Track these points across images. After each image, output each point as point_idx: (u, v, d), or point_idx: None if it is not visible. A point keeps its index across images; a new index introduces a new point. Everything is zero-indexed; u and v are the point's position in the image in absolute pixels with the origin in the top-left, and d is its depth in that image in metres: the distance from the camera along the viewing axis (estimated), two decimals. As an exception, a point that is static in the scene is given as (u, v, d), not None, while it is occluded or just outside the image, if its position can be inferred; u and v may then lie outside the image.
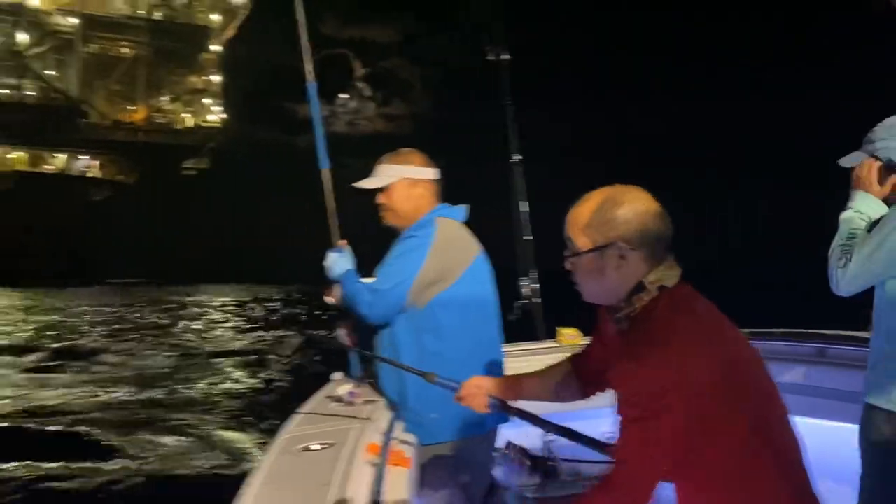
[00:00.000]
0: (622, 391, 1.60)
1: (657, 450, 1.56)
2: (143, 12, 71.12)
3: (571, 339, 3.85)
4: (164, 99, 73.23)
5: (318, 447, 2.27)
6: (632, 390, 1.57)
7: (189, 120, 73.56)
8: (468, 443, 2.63)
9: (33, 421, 10.71)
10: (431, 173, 2.83)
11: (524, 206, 3.63)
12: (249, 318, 28.94)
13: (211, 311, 33.45)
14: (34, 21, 66.79)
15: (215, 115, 74.15)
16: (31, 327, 25.19)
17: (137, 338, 22.18)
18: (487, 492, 2.75)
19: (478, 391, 2.10)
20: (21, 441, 9.40)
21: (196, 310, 33.76)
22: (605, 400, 1.82)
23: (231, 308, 34.64)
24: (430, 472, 2.56)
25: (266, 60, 64.70)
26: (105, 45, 70.18)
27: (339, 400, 2.79)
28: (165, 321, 27.57)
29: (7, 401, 12.24)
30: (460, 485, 2.61)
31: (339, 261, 2.85)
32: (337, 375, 3.03)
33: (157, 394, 12.80)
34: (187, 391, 13.10)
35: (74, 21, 67.91)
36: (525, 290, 3.67)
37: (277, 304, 35.82)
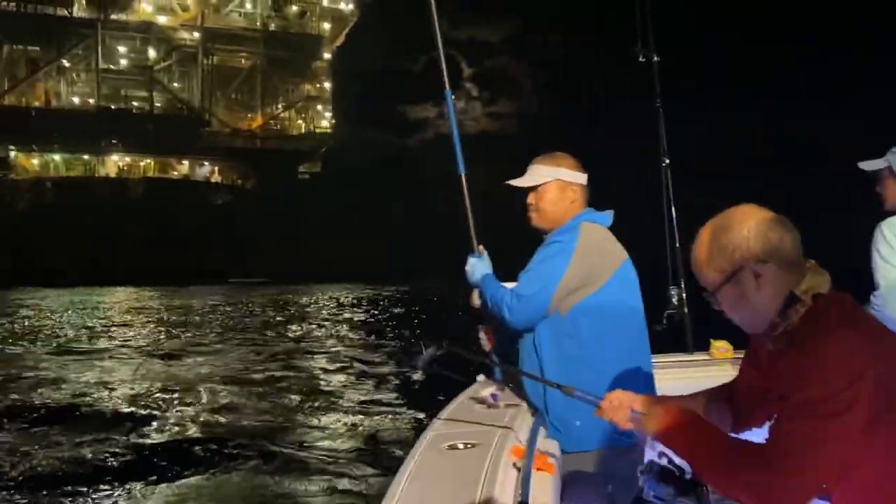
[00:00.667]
0: (796, 391, 1.53)
1: (833, 449, 1.48)
2: (259, 24, 74.29)
3: (724, 352, 3.67)
4: (279, 107, 76.25)
5: (463, 446, 2.31)
6: (811, 388, 1.50)
7: (302, 126, 76.30)
8: (613, 452, 2.58)
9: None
10: (582, 178, 2.80)
11: (673, 213, 3.60)
12: (365, 315, 29.62)
13: (327, 307, 34.50)
14: (161, 37, 70.92)
15: (327, 120, 76.60)
16: (167, 321, 26.88)
17: (257, 330, 23.30)
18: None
19: (619, 405, 2.01)
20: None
21: (312, 306, 34.89)
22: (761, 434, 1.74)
23: (347, 305, 35.60)
24: (573, 481, 2.56)
25: (374, 65, 66.12)
26: (224, 57, 73.62)
27: (482, 402, 2.83)
28: (281, 318, 28.68)
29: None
30: (604, 496, 2.56)
31: (478, 265, 2.87)
32: (481, 377, 3.05)
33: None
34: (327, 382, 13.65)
35: (197, 35, 71.70)
36: (674, 300, 3.59)
37: (389, 302, 36.46)
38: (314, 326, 24.87)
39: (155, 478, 7.55)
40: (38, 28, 64.63)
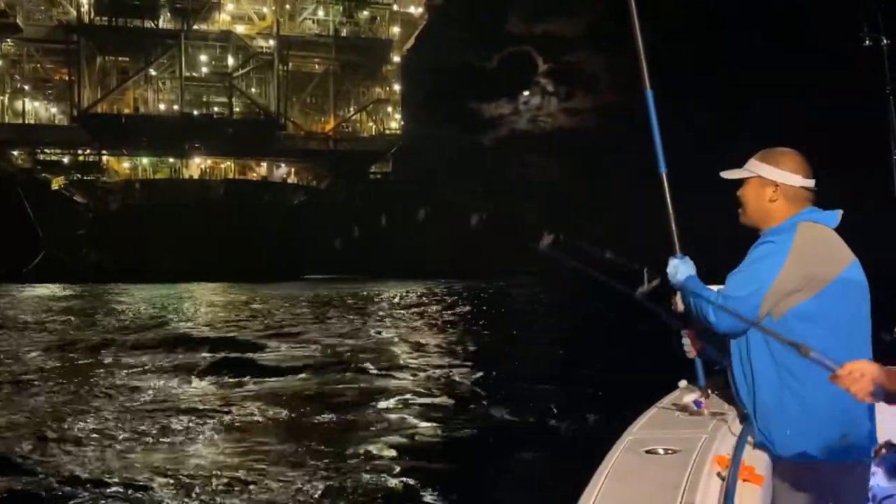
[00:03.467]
0: None
1: None
2: (331, 30, 76.10)
3: None
4: (351, 109, 77.89)
5: (663, 451, 2.21)
6: None
7: (373, 128, 77.84)
8: (831, 468, 2.37)
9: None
10: (794, 179, 2.58)
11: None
12: (441, 311, 30.09)
13: (400, 302, 35.24)
14: (239, 45, 73.32)
15: (396, 122, 77.93)
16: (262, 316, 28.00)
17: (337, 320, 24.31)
18: None
19: (861, 376, 1.83)
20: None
21: (384, 303, 35.69)
22: None
23: (424, 300, 36.24)
24: (785, 493, 2.40)
25: (445, 65, 66.61)
26: (298, 62, 75.49)
27: (684, 409, 2.73)
28: (357, 313, 29.51)
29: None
30: None
31: (681, 266, 2.73)
32: (683, 383, 2.93)
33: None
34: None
35: (272, 43, 73.93)
36: None
37: (466, 298, 36.80)
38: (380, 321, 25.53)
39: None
40: (127, 40, 67.63)
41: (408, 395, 12.00)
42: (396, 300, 36.31)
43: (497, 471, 7.79)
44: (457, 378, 13.79)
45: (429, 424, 10.13)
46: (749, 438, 2.44)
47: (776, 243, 2.47)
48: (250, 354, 16.92)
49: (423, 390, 12.50)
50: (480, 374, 14.09)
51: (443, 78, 67.39)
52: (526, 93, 70.24)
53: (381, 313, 29.41)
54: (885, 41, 3.06)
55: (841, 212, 2.58)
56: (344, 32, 76.02)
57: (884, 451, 2.40)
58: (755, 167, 2.63)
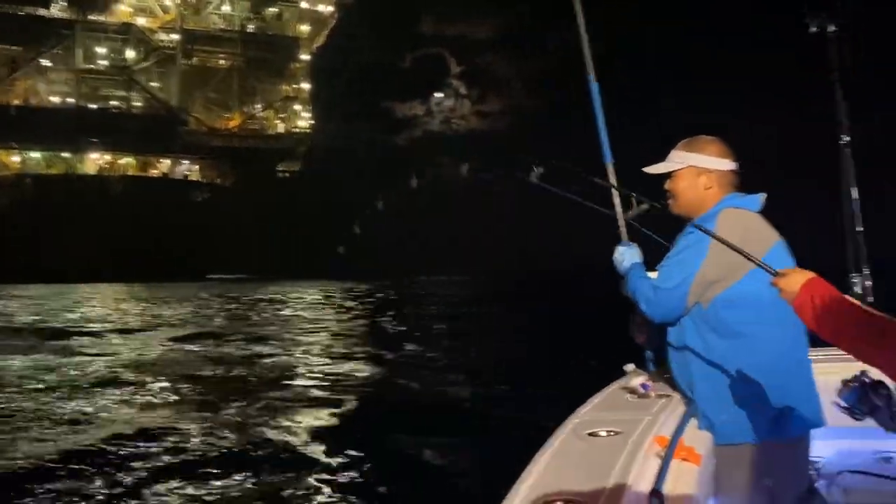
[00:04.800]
0: None
1: None
2: (237, 25, 74.47)
3: None
4: (258, 107, 76.44)
5: (605, 434, 2.25)
6: None
7: (280, 126, 76.61)
8: (773, 446, 2.40)
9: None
10: (723, 164, 2.60)
11: (854, 194, 3.20)
12: (344, 310, 29.40)
13: (305, 304, 34.74)
14: (140, 38, 70.75)
15: (305, 120, 76.98)
16: (167, 316, 26.72)
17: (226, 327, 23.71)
18: (803, 500, 2.51)
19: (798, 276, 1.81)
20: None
21: (290, 303, 35.08)
22: None
23: (327, 302, 35.83)
24: (727, 474, 2.43)
25: (357, 64, 66.25)
26: (203, 57, 73.52)
27: (632, 391, 2.74)
28: (258, 313, 28.67)
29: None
30: (764, 490, 2.40)
31: (627, 253, 2.73)
32: (630, 367, 2.93)
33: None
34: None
35: (175, 37, 71.66)
36: (856, 289, 3.20)
37: (371, 299, 36.58)
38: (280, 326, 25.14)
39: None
40: (17, 27, 64.22)
41: (337, 392, 11.84)
42: (303, 300, 35.81)
43: (442, 457, 7.83)
44: (367, 374, 13.72)
45: (354, 416, 10.06)
46: (693, 420, 2.47)
47: (698, 233, 2.44)
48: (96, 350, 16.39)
49: (348, 386, 12.35)
50: (403, 368, 14.04)
51: (354, 77, 66.94)
52: (439, 94, 70.69)
53: (286, 313, 28.93)
54: (831, 27, 3.12)
55: (764, 195, 2.58)
56: (250, 28, 74.56)
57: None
58: (684, 158, 2.61)
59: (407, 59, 65.72)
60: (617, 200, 2.90)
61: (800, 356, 2.48)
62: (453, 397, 11.23)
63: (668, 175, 2.65)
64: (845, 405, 1.82)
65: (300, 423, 9.65)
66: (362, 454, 7.84)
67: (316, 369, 14.29)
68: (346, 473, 7.26)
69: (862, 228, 3.22)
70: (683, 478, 2.03)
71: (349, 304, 33.00)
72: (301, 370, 14.20)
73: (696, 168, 2.59)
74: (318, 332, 21.52)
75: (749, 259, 2.05)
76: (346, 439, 8.53)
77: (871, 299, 3.07)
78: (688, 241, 2.48)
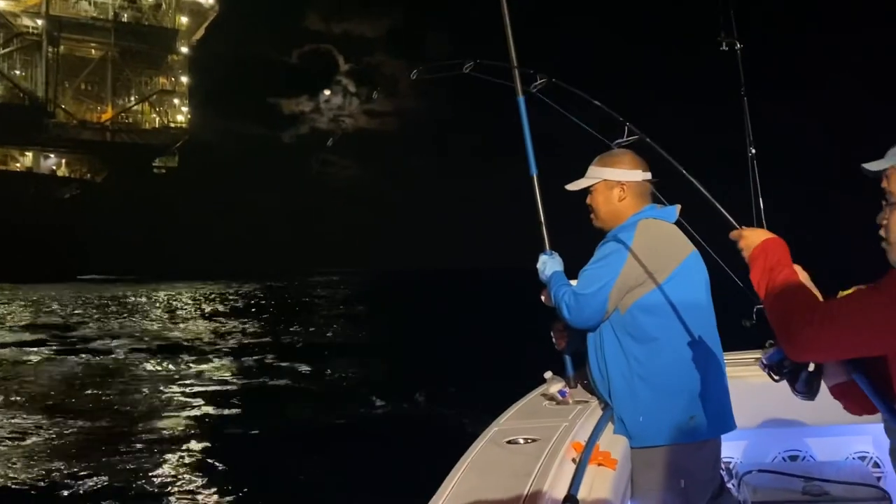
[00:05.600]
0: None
1: (874, 315, 1.51)
2: (110, 14, 70.78)
3: None
4: (132, 99, 72.87)
5: (523, 441, 2.29)
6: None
7: (156, 120, 73.37)
8: (686, 448, 2.48)
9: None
10: (636, 175, 2.69)
11: (760, 204, 3.21)
12: (223, 312, 28.84)
13: (185, 304, 33.63)
14: (1, 23, 66.07)
15: (183, 115, 74.08)
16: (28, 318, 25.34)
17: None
18: (714, 497, 2.62)
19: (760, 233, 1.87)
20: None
21: (171, 303, 33.89)
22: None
23: (205, 302, 34.85)
24: (642, 476, 2.50)
25: (239, 58, 64.56)
26: (71, 46, 69.43)
27: (551, 398, 2.79)
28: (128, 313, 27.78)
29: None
30: (678, 490, 2.48)
31: (549, 262, 2.81)
32: (548, 374, 2.96)
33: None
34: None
35: (40, 23, 67.25)
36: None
37: (252, 299, 35.78)
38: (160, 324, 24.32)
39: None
40: None
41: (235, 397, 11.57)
42: (179, 301, 34.57)
43: (361, 466, 7.78)
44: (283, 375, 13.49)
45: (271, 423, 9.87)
46: (610, 425, 2.54)
47: (618, 241, 2.56)
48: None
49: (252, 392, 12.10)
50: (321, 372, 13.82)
51: (238, 72, 65.28)
52: (327, 91, 69.73)
53: (156, 315, 27.84)
54: (738, 45, 3.28)
55: (679, 207, 2.69)
56: (125, 17, 71.02)
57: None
58: (598, 172, 2.71)
59: (294, 54, 64.64)
60: (541, 212, 2.97)
61: (713, 360, 2.57)
62: (363, 409, 11.02)
63: (588, 191, 2.72)
64: (766, 363, 1.87)
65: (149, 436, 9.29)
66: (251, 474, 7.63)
67: (180, 374, 13.94)
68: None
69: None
70: (599, 482, 2.07)
71: (221, 307, 32.13)
72: (163, 378, 13.71)
73: (610, 181, 2.68)
74: (191, 337, 20.90)
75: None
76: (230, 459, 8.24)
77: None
78: (608, 249, 2.57)
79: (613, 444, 2.40)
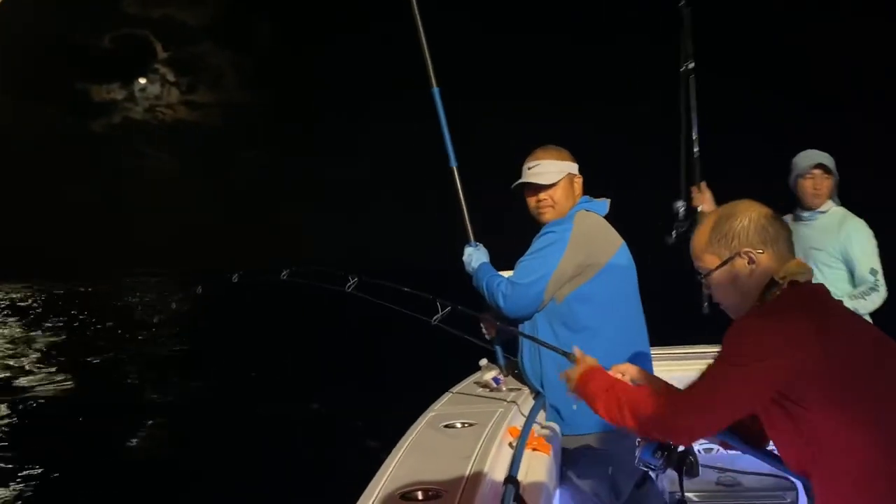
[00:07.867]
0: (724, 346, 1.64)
1: (735, 388, 1.60)
2: None
3: None
4: None
5: (461, 425, 2.35)
6: (730, 343, 1.63)
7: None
8: (613, 435, 2.55)
9: None
10: (575, 167, 2.79)
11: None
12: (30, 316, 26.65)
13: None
14: None
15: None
16: None
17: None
18: (639, 486, 2.70)
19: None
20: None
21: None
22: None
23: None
24: (572, 462, 2.58)
25: (41, 39, 58.80)
26: None
27: (485, 385, 2.84)
28: None
29: None
30: (605, 476, 2.58)
31: (475, 254, 2.84)
32: (483, 362, 2.98)
33: None
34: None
35: None
36: (681, 214, 3.52)
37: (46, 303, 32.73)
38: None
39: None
40: None
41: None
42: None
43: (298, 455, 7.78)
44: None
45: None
46: (542, 412, 2.61)
47: (557, 233, 2.62)
48: None
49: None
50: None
51: (39, 54, 59.36)
52: (143, 80, 64.98)
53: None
54: (690, 64, 3.49)
55: (609, 201, 2.81)
56: None
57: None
58: (561, 167, 2.74)
59: (105, 38, 59.74)
60: (463, 204, 2.97)
61: (641, 351, 2.71)
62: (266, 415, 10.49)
63: (534, 188, 2.74)
64: (643, 458, 1.98)
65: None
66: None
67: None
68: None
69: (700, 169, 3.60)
70: (535, 466, 2.14)
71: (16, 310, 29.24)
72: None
73: (571, 175, 2.76)
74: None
75: None
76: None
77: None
78: (549, 240, 2.62)
79: (546, 429, 2.51)
